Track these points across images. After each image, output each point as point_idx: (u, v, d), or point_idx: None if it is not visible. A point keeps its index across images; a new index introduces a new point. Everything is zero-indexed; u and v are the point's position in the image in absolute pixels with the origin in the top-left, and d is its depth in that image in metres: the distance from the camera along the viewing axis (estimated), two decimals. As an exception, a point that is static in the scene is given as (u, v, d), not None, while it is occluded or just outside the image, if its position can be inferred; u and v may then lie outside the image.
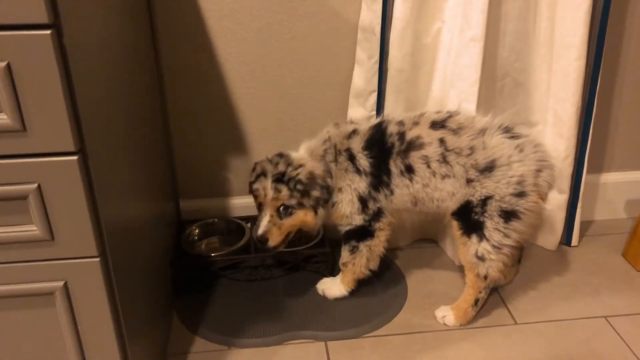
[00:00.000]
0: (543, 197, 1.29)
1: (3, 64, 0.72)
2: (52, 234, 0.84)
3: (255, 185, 1.32)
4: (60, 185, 0.81)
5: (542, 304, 1.43)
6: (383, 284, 1.47)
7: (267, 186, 1.29)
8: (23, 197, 0.81)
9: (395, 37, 1.37)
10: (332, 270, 1.51)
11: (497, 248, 1.28)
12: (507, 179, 1.23)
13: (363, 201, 1.32)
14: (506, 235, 1.26)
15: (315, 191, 1.29)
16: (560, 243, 1.65)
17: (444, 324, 1.37)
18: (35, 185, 0.80)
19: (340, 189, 1.33)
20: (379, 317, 1.39)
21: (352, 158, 1.31)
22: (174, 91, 1.51)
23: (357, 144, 1.31)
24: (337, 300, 1.43)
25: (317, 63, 1.50)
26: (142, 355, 1.07)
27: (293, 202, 1.28)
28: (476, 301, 1.35)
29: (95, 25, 0.89)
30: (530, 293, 1.47)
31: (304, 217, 1.31)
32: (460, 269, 1.55)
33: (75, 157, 0.79)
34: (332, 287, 1.44)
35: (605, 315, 1.39)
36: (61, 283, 0.88)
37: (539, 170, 1.25)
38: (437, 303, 1.43)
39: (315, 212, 1.31)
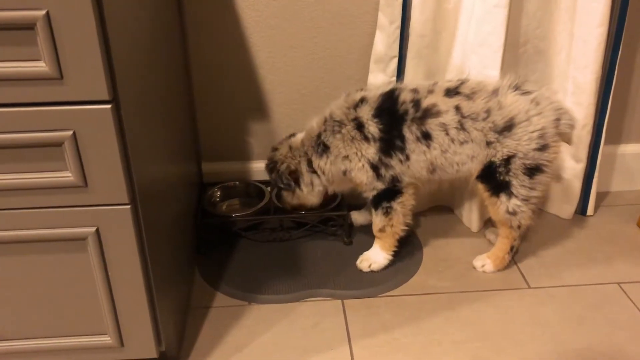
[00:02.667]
0: (569, 141, 1.37)
1: (42, 12, 0.75)
2: (86, 180, 0.88)
3: None
4: (94, 133, 0.84)
5: (555, 270, 1.45)
6: (399, 248, 1.50)
7: None
8: (59, 144, 0.85)
9: (418, 2, 1.38)
10: (350, 234, 1.54)
11: (526, 200, 1.33)
12: (528, 134, 1.26)
13: (375, 169, 1.35)
14: (533, 189, 1.32)
15: (273, 175, 1.45)
16: (576, 212, 1.66)
17: (484, 271, 1.44)
18: (71, 132, 0.84)
19: (346, 157, 1.35)
20: (394, 278, 1.42)
21: (360, 126, 1.33)
22: (198, 55, 1.54)
23: (365, 112, 1.33)
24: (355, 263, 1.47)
25: (339, 28, 1.52)
26: (168, 305, 1.11)
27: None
28: (511, 248, 1.43)
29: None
30: (544, 259, 1.50)
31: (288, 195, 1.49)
32: (476, 235, 1.59)
33: (109, 106, 0.83)
34: (376, 258, 1.44)
35: (618, 281, 1.41)
36: (93, 229, 0.92)
37: (558, 119, 1.28)
38: (452, 267, 1.46)
39: (293, 192, 1.45)
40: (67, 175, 0.87)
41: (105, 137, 0.85)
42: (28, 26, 0.76)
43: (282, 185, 1.44)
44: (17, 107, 0.82)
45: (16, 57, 0.78)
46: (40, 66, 0.78)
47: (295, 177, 1.43)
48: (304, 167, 1.41)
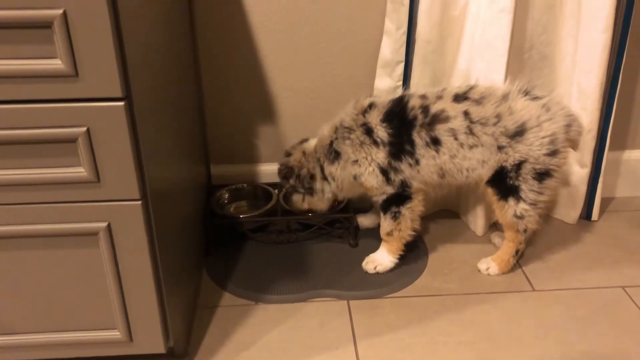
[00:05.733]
0: (575, 147, 1.38)
1: (59, 11, 0.77)
2: (98, 176, 0.90)
3: None
4: (107, 130, 0.87)
5: (560, 273, 1.46)
6: (405, 251, 1.51)
7: None
8: (72, 140, 0.87)
9: (424, 8, 1.40)
10: (356, 236, 1.56)
11: (534, 204, 1.35)
12: (540, 140, 1.28)
13: (385, 173, 1.36)
14: (541, 193, 1.34)
15: (291, 180, 1.46)
16: (581, 217, 1.67)
17: (488, 274, 1.45)
18: (85, 128, 0.86)
19: (356, 161, 1.37)
20: (400, 279, 1.44)
21: (369, 131, 1.34)
22: (207, 59, 1.56)
23: (374, 117, 1.34)
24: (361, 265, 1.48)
25: (346, 33, 1.54)
26: (176, 302, 1.13)
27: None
28: (517, 251, 1.44)
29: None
30: (548, 263, 1.50)
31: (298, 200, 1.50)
32: (481, 238, 1.60)
33: (122, 103, 0.85)
34: (383, 261, 1.45)
35: (623, 285, 1.42)
36: (105, 224, 0.95)
37: (568, 125, 1.31)
38: (458, 269, 1.47)
39: (303, 197, 1.47)
40: (80, 171, 0.89)
41: (118, 134, 0.87)
42: (46, 25, 0.78)
43: (302, 190, 1.46)
44: (33, 104, 0.84)
45: (33, 54, 0.80)
46: (57, 64, 0.81)
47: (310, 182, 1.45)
48: (318, 174, 1.43)
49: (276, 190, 1.62)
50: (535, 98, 1.30)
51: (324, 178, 1.43)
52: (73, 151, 0.88)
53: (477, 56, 1.43)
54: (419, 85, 1.49)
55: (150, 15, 1.01)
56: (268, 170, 1.69)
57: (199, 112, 1.57)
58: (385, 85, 1.53)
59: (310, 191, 1.45)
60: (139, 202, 0.93)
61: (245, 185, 1.68)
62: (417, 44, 1.45)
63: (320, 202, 1.48)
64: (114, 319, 1.04)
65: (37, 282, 1.00)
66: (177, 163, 1.22)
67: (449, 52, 1.48)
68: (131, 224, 0.95)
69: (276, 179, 1.58)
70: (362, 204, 1.58)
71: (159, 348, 1.09)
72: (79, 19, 0.78)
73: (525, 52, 1.51)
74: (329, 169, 1.41)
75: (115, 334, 1.06)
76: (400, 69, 1.51)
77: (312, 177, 1.43)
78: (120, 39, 0.81)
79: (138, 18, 0.91)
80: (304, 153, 1.45)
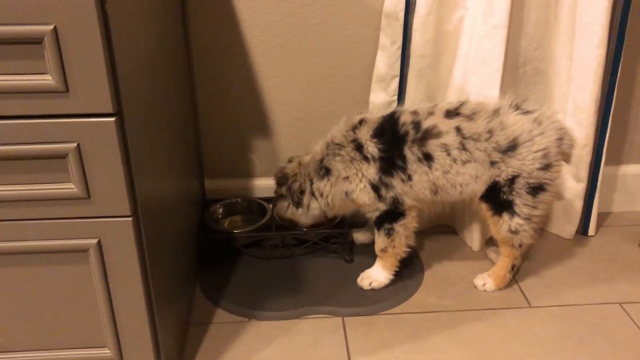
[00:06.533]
0: (567, 160, 1.37)
1: (50, 27, 0.77)
2: (89, 192, 0.89)
3: None
4: (98, 146, 0.86)
5: (556, 289, 1.45)
6: (400, 267, 1.50)
7: None
8: (63, 156, 0.86)
9: (419, 23, 1.40)
10: (351, 251, 1.55)
11: (528, 219, 1.34)
12: (532, 154, 1.28)
13: (376, 189, 1.35)
14: (535, 208, 1.33)
15: (283, 188, 1.45)
16: (577, 232, 1.66)
17: (485, 290, 1.44)
18: (75, 144, 0.85)
19: (347, 178, 1.37)
20: (395, 296, 1.42)
21: (359, 147, 1.34)
22: (202, 73, 1.56)
23: (364, 133, 1.34)
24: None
25: (341, 48, 1.55)
26: (168, 319, 1.12)
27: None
28: (513, 267, 1.43)
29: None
30: (545, 278, 1.49)
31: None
32: (477, 255, 1.59)
33: (113, 119, 0.84)
34: (377, 277, 1.44)
35: (619, 301, 1.41)
36: (95, 240, 0.93)
37: (560, 139, 1.30)
38: (454, 285, 1.46)
39: (288, 207, 1.47)
40: (71, 187, 0.88)
41: (109, 150, 0.86)
42: (36, 40, 0.78)
43: (289, 200, 1.46)
44: (23, 119, 0.83)
45: (24, 70, 0.80)
46: (47, 79, 0.80)
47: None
48: (307, 189, 1.43)
49: (270, 205, 1.61)
50: (526, 112, 1.30)
51: (312, 193, 1.42)
52: (63, 167, 0.87)
53: (472, 71, 1.43)
54: (414, 99, 1.49)
55: (143, 30, 1.01)
56: (263, 185, 1.69)
57: (193, 126, 1.57)
58: (381, 99, 1.53)
59: (297, 204, 1.45)
60: (130, 219, 0.92)
61: (239, 199, 1.67)
62: (412, 59, 1.45)
63: (303, 216, 1.47)
64: (104, 336, 1.03)
65: (26, 300, 0.99)
66: (169, 178, 1.22)
67: (444, 67, 1.49)
68: (122, 240, 0.94)
69: (271, 194, 1.57)
70: (357, 219, 1.57)
71: (150, 366, 1.07)
72: (69, 34, 0.78)
73: (520, 67, 1.51)
74: (317, 184, 1.40)
75: (106, 352, 1.04)
76: (395, 83, 1.51)
77: (302, 192, 1.43)
78: (112, 54, 0.81)
79: (130, 33, 0.90)
80: (299, 164, 1.44)
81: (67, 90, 0.81)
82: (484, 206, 1.36)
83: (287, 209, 1.48)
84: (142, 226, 0.95)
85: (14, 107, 0.82)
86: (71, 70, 0.80)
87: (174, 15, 1.35)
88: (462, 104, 1.33)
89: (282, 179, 1.45)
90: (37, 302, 0.99)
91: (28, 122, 0.83)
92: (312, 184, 1.42)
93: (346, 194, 1.38)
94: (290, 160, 1.47)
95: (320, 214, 1.47)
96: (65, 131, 0.84)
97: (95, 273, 0.96)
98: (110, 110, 0.83)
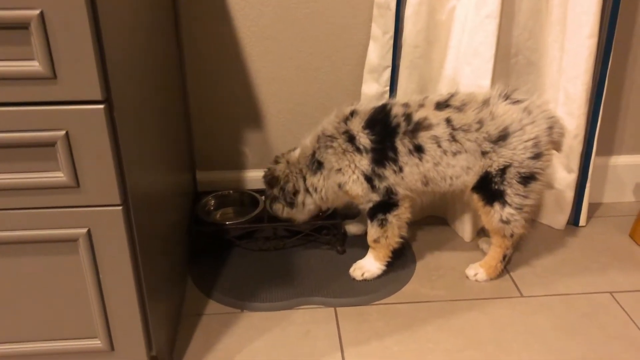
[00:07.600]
0: (558, 148, 1.37)
1: (36, 12, 0.76)
2: (78, 180, 0.88)
3: None
4: (86, 133, 0.85)
5: (548, 279, 1.46)
6: (392, 257, 1.50)
7: None
8: (51, 144, 0.85)
9: (410, 13, 1.40)
10: (343, 242, 1.54)
11: (520, 209, 1.34)
12: (523, 143, 1.28)
13: (369, 180, 1.35)
14: (527, 197, 1.33)
15: (275, 189, 1.45)
16: (568, 223, 1.67)
17: (476, 280, 1.44)
18: (63, 132, 0.84)
19: (339, 170, 1.36)
20: (387, 286, 1.42)
21: (351, 139, 1.34)
22: (193, 64, 1.55)
23: (356, 125, 1.34)
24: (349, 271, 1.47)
25: (333, 39, 1.54)
26: (160, 309, 1.11)
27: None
28: (504, 257, 1.43)
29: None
30: (536, 269, 1.50)
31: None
32: (469, 245, 1.60)
33: (101, 106, 0.83)
34: (370, 267, 1.44)
35: (610, 290, 1.41)
36: (84, 230, 0.92)
37: (550, 127, 1.30)
38: (445, 276, 1.46)
39: (283, 207, 1.46)
40: (59, 176, 0.87)
41: (98, 137, 0.85)
42: (22, 25, 0.76)
43: (282, 202, 1.45)
44: (10, 107, 0.82)
45: (10, 56, 0.78)
46: (34, 65, 0.79)
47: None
48: (301, 186, 1.42)
49: (263, 197, 1.61)
50: (516, 102, 1.30)
51: (306, 190, 1.42)
52: (52, 155, 0.86)
53: (464, 61, 1.42)
54: (406, 90, 1.48)
55: (132, 16, 0.99)
56: (254, 177, 1.68)
57: (184, 117, 1.56)
58: (373, 90, 1.52)
59: (291, 205, 1.44)
60: (120, 208, 0.91)
61: (231, 191, 1.66)
62: (404, 49, 1.45)
63: (299, 213, 1.47)
64: (95, 327, 1.02)
65: (15, 290, 0.97)
66: (160, 168, 1.21)
67: (436, 58, 1.48)
68: (112, 230, 0.93)
69: (263, 186, 1.56)
70: (350, 210, 1.56)
71: (141, 357, 1.06)
72: (56, 19, 0.76)
73: (512, 58, 1.51)
74: (311, 179, 1.40)
75: (96, 343, 1.04)
76: (387, 74, 1.50)
77: (296, 192, 1.42)
78: (100, 40, 0.80)
79: (119, 19, 0.89)
80: (287, 163, 1.43)
81: (55, 77, 0.80)
82: (475, 197, 1.36)
83: (282, 210, 1.47)
84: (132, 216, 0.94)
85: (0, 94, 0.81)
86: (59, 56, 0.79)
87: (165, 5, 1.33)
88: (452, 95, 1.33)
89: (272, 181, 1.44)
90: (26, 293, 0.98)
91: (15, 110, 0.82)
92: (305, 180, 1.41)
93: (339, 186, 1.38)
94: (276, 161, 1.46)
95: (316, 208, 1.47)
96: (53, 118, 0.83)
97: (85, 263, 0.95)
98: (99, 97, 0.82)
